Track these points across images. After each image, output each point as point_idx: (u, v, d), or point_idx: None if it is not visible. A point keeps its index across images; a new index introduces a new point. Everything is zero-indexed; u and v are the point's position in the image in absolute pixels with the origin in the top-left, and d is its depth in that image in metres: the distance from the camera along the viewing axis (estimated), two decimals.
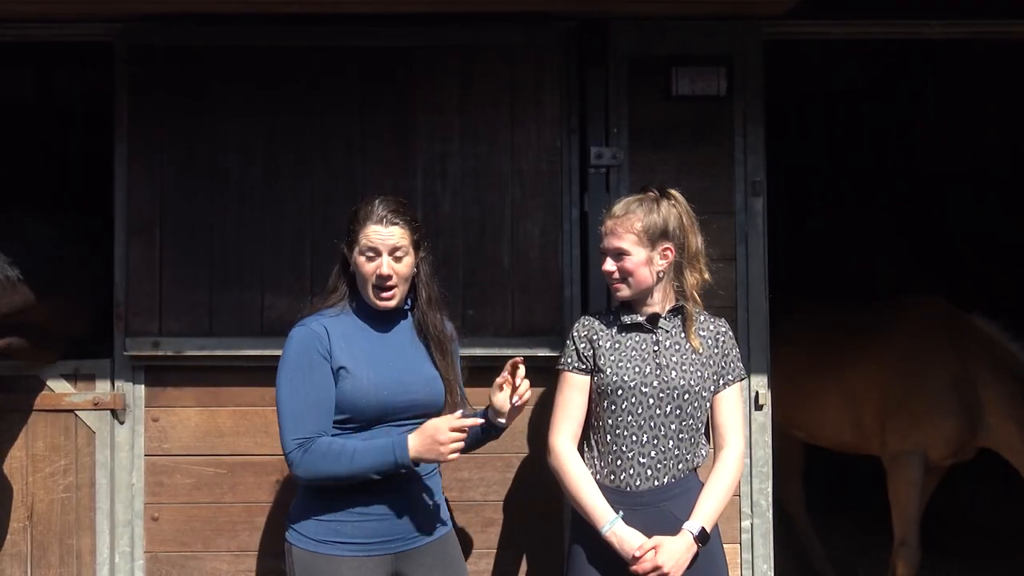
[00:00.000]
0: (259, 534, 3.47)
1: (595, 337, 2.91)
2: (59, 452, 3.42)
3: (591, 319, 2.97)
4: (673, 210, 2.88)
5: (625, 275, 2.85)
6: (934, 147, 6.93)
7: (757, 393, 3.51)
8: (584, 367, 2.90)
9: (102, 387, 3.46)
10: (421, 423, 2.71)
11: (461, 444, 2.66)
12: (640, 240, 2.83)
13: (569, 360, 2.93)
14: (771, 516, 3.55)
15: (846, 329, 4.84)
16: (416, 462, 2.65)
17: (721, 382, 2.89)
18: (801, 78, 5.68)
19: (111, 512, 3.45)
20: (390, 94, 3.53)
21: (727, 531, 3.46)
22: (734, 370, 2.92)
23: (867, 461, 4.99)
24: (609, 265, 2.87)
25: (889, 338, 4.60)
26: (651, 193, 2.91)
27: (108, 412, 3.44)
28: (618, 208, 2.89)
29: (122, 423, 3.45)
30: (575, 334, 2.95)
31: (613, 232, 2.86)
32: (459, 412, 2.71)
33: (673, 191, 2.92)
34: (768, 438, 3.55)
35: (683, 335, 2.88)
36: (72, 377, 3.45)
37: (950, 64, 6.10)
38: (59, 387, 3.44)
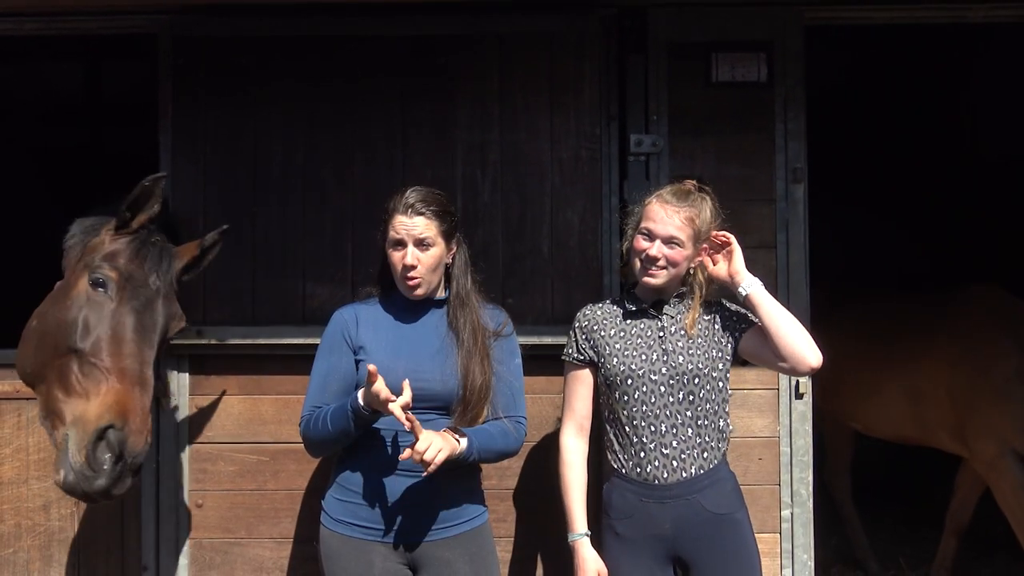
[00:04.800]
0: (301, 522, 3.50)
1: (595, 327, 2.89)
2: None
3: (593, 308, 2.95)
4: (711, 208, 2.85)
5: (671, 264, 2.80)
6: (984, 132, 6.80)
7: (798, 382, 3.47)
8: (582, 358, 2.89)
9: None
10: (439, 414, 2.73)
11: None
12: (696, 236, 2.81)
13: (569, 351, 2.93)
14: (811, 506, 3.51)
15: (903, 320, 4.77)
16: (369, 408, 2.63)
17: (738, 333, 2.85)
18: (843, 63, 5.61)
19: (156, 499, 3.50)
20: (430, 83, 3.54)
21: (767, 520, 3.45)
22: (744, 318, 2.87)
23: (914, 455, 4.93)
24: (657, 250, 2.79)
25: (947, 331, 4.50)
26: (690, 186, 2.87)
27: (153, 400, 3.47)
28: (671, 195, 2.82)
29: (166, 411, 3.49)
30: (576, 324, 2.94)
31: (671, 219, 2.78)
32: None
33: (707, 186, 2.89)
34: (809, 427, 3.51)
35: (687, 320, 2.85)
36: None
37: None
38: None
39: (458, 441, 2.66)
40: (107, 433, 2.64)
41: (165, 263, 2.96)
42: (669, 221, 2.78)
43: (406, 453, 2.58)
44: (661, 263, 2.80)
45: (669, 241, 2.79)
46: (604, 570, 2.80)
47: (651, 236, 2.81)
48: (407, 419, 2.57)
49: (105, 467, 2.63)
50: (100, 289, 2.83)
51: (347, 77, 3.54)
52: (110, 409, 2.67)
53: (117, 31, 3.67)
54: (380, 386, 2.56)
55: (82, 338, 2.78)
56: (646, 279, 2.83)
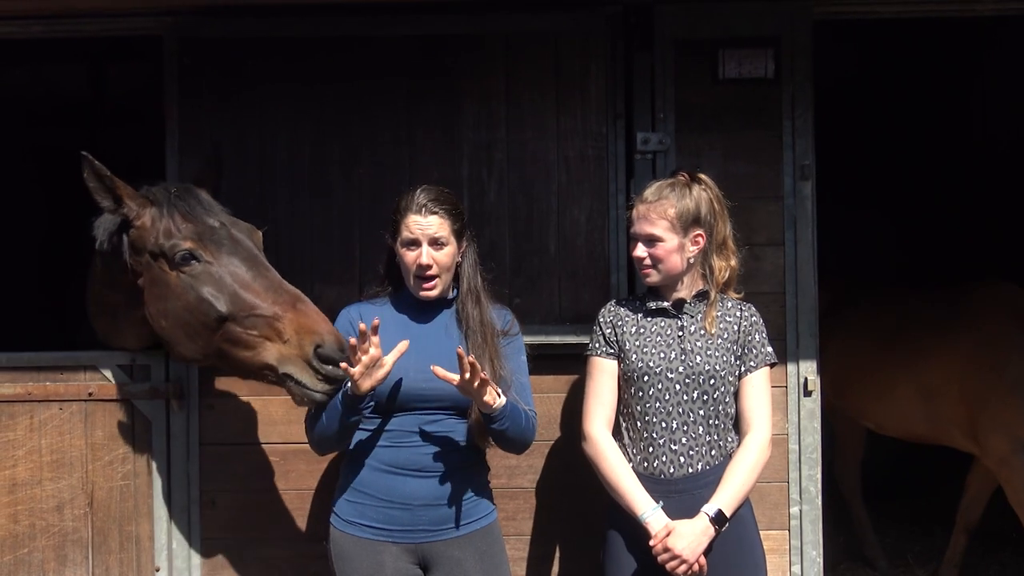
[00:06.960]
0: (311, 521, 3.51)
1: (620, 323, 2.92)
2: (117, 441, 3.49)
3: (616, 305, 2.99)
4: (704, 195, 2.87)
5: (656, 261, 2.85)
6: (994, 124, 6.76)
7: (806, 379, 3.47)
8: (611, 351, 2.91)
9: (157, 376, 3.51)
10: (448, 415, 2.74)
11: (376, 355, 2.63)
12: (673, 227, 2.82)
13: (596, 345, 2.95)
14: (820, 503, 3.51)
15: (915, 317, 4.75)
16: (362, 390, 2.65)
17: (743, 367, 2.87)
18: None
19: (168, 499, 3.52)
20: (436, 83, 3.54)
21: (775, 517, 3.45)
22: (758, 356, 2.88)
23: (922, 452, 4.90)
24: (640, 251, 2.86)
25: (960, 327, 4.48)
26: (682, 177, 2.90)
27: (163, 401, 3.50)
28: (650, 193, 2.88)
29: (177, 412, 3.51)
30: (600, 319, 2.97)
31: (645, 218, 2.85)
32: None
33: (703, 175, 2.91)
34: (817, 424, 3.51)
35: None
36: (128, 367, 3.51)
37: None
38: (116, 377, 3.51)
39: (499, 395, 2.67)
40: (317, 352, 2.76)
41: (201, 200, 3.04)
42: (644, 220, 2.85)
43: (444, 372, 2.62)
44: (647, 262, 2.86)
45: (649, 240, 2.84)
46: (661, 530, 2.73)
47: (635, 238, 2.88)
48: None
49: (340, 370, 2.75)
50: (193, 262, 2.91)
51: (353, 77, 3.55)
52: (301, 336, 2.79)
53: (122, 33, 3.68)
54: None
55: (220, 306, 2.87)
56: (644, 280, 2.91)
